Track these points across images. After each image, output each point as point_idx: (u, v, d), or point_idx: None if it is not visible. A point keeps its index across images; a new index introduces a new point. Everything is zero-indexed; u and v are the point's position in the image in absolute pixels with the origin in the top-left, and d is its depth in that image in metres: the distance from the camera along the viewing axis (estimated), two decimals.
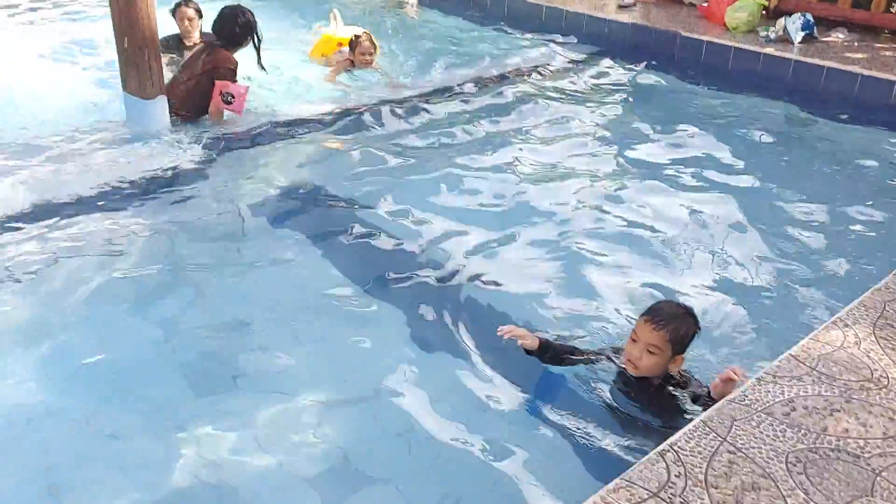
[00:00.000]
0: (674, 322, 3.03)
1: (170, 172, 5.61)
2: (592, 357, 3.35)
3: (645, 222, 5.15)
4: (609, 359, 3.33)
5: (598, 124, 6.91)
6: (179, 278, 4.40)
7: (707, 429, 2.72)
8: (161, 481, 2.96)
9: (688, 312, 3.11)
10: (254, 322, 3.97)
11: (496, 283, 4.35)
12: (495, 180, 5.73)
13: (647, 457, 2.59)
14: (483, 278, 4.40)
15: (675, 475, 2.50)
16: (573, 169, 5.99)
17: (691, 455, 2.60)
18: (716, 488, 2.46)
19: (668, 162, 6.14)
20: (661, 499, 2.40)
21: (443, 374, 3.57)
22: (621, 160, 6.18)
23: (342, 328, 3.94)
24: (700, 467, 2.54)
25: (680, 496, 2.41)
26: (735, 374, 2.90)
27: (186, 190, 5.43)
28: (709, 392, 3.03)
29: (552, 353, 3.29)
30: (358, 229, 4.94)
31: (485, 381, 3.46)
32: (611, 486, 2.46)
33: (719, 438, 2.68)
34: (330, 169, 5.91)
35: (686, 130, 6.75)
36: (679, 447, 2.63)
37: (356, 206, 5.28)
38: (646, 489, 2.44)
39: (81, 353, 3.66)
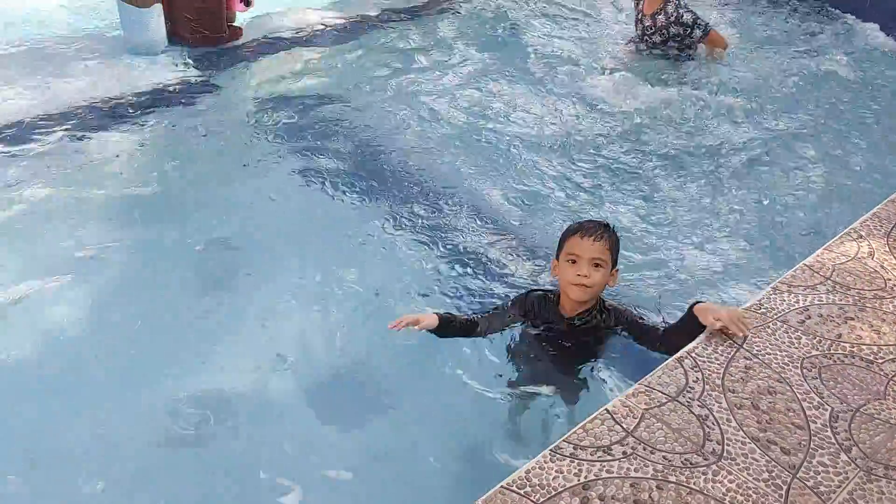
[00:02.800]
0: (608, 231, 2.90)
1: (171, 86, 5.50)
2: (509, 317, 3.03)
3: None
4: (529, 311, 3.01)
5: None
6: (180, 191, 4.38)
7: (724, 336, 2.74)
8: (161, 385, 3.03)
9: (607, 225, 2.94)
10: (255, 231, 4.01)
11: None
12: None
13: (664, 363, 2.63)
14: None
15: (693, 380, 2.54)
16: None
17: (708, 361, 2.63)
18: (733, 392, 2.50)
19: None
20: (680, 402, 2.44)
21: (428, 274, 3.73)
22: None
23: (340, 232, 4.03)
24: (717, 373, 2.58)
25: (698, 400, 2.46)
26: (739, 327, 2.69)
27: (187, 103, 5.33)
28: (684, 318, 2.82)
29: (459, 325, 2.92)
30: (355, 138, 4.94)
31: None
32: (629, 391, 2.50)
33: (735, 345, 2.71)
34: (329, 79, 5.82)
35: None
36: (696, 354, 2.66)
37: (354, 115, 5.24)
38: (664, 393, 2.48)
39: (84, 265, 3.67)
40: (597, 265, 2.81)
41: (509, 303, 3.07)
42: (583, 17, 7.23)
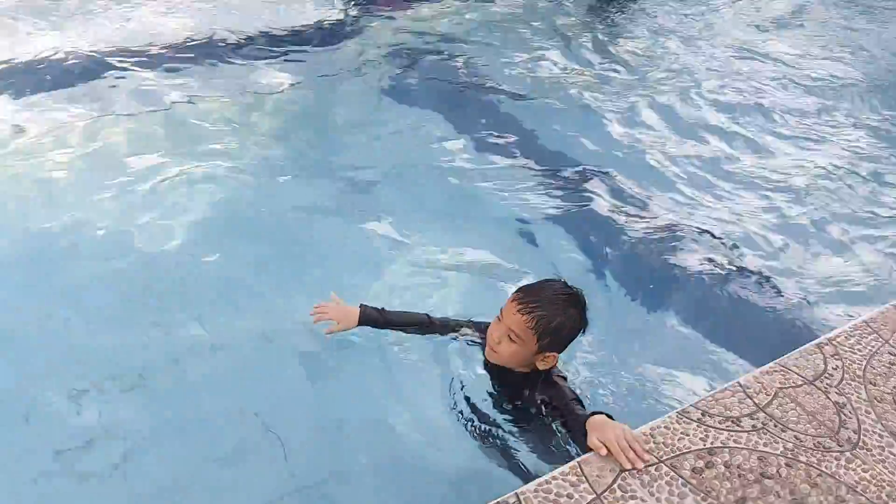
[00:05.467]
0: (545, 308, 2.28)
1: (313, 26, 5.71)
2: (452, 328, 2.68)
3: None
4: (471, 335, 2.65)
5: None
6: (312, 129, 4.55)
7: (870, 329, 2.64)
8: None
9: (571, 301, 2.33)
10: (378, 178, 4.11)
11: None
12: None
13: (803, 346, 2.56)
14: None
15: (833, 368, 2.47)
16: None
17: (851, 351, 2.55)
18: (874, 385, 2.41)
19: None
20: (817, 387, 2.38)
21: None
22: None
23: (459, 184, 4.08)
24: (859, 364, 2.49)
25: (836, 387, 2.39)
26: (626, 458, 2.04)
27: (327, 45, 5.54)
28: (584, 424, 2.18)
29: (385, 324, 2.66)
30: (482, 93, 4.99)
31: None
32: (765, 368, 2.46)
33: (881, 339, 2.60)
34: (467, 34, 5.86)
35: None
36: (838, 342, 2.58)
37: (484, 72, 5.28)
38: (800, 376, 2.42)
39: (207, 190, 3.85)
40: (510, 338, 2.31)
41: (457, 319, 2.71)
42: None
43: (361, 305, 2.62)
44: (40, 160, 3.88)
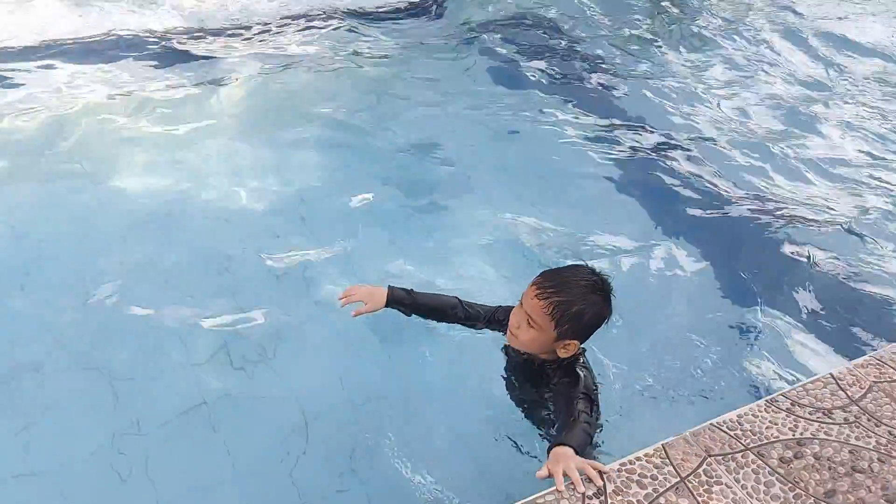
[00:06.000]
0: (564, 294, 2.19)
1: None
2: (478, 316, 2.55)
3: None
4: (494, 321, 2.53)
5: None
6: (403, 95, 4.66)
7: None
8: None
9: (592, 287, 2.22)
10: (461, 143, 4.20)
11: None
12: None
13: None
14: None
15: None
16: None
17: None
18: None
19: None
20: None
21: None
22: None
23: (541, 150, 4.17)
24: None
25: None
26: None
27: (417, 14, 5.58)
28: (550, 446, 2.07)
29: (414, 306, 2.56)
30: (572, 64, 5.00)
31: None
32: (859, 360, 2.40)
33: None
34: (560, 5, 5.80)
35: None
36: None
37: (576, 43, 5.22)
38: None
39: (301, 150, 4.03)
40: (528, 324, 2.24)
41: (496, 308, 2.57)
42: None
43: (389, 286, 2.53)
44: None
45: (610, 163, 4.08)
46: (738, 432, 2.11)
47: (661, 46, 5.50)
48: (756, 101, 4.91)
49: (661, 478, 1.95)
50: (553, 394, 2.28)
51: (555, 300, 2.18)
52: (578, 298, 2.19)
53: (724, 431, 2.12)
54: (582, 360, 2.32)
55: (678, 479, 1.96)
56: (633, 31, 5.70)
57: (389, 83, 4.80)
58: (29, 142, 3.89)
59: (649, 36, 5.64)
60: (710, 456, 2.02)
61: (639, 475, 1.96)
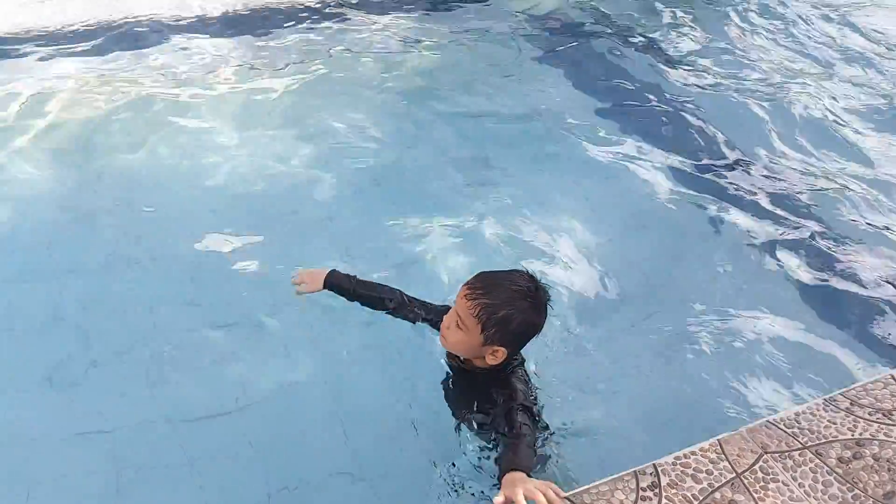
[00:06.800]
0: (492, 297, 2.10)
1: None
2: (414, 310, 2.49)
3: None
4: (435, 321, 2.41)
5: None
6: (454, 80, 4.70)
7: None
8: None
9: (525, 293, 2.12)
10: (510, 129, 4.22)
11: None
12: None
13: None
14: None
15: None
16: None
17: None
18: None
19: None
20: None
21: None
22: None
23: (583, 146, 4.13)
24: None
25: None
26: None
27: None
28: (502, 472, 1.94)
29: (354, 293, 2.54)
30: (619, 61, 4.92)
31: None
32: None
33: None
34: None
35: None
36: None
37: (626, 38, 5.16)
38: None
39: (360, 139, 4.12)
40: (457, 325, 2.15)
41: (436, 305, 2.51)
42: None
43: (331, 270, 2.56)
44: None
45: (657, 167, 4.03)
46: (796, 430, 2.10)
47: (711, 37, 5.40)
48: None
49: (716, 473, 1.96)
50: (491, 406, 2.19)
51: (482, 302, 2.09)
52: (506, 303, 2.09)
53: (782, 429, 2.11)
54: (520, 373, 2.23)
55: (734, 474, 1.96)
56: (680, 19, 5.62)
57: (438, 67, 4.84)
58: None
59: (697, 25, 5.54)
60: (766, 453, 2.02)
61: (693, 469, 1.97)
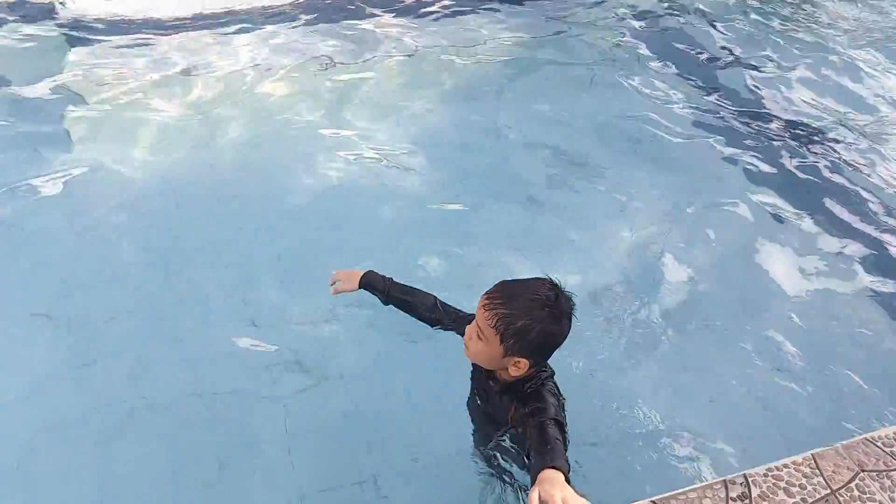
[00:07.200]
0: (509, 307, 2.04)
1: None
2: (446, 319, 2.44)
3: None
4: (458, 329, 2.35)
5: None
6: (531, 71, 4.73)
7: None
8: None
9: (544, 303, 2.04)
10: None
11: None
12: None
13: None
14: None
15: None
16: None
17: None
18: None
19: None
20: None
21: None
22: None
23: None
24: None
25: None
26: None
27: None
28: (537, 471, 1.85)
29: (388, 295, 2.51)
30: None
31: None
32: None
33: None
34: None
35: None
36: None
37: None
38: None
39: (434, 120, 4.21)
40: (478, 335, 2.10)
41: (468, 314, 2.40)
42: None
43: (368, 271, 2.54)
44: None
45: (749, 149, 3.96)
46: (895, 449, 2.06)
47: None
48: None
49: (809, 488, 1.94)
50: (520, 419, 2.09)
51: (500, 312, 2.03)
52: (524, 313, 2.02)
53: (880, 448, 2.07)
54: (550, 385, 2.14)
55: (828, 490, 1.93)
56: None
57: (533, 61, 4.87)
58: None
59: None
60: (863, 471, 1.98)
61: (786, 483, 1.96)
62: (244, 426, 2.57)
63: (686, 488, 1.96)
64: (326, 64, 4.69)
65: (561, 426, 2.01)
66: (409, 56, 4.85)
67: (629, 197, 3.68)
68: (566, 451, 1.94)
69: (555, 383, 2.16)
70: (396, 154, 3.95)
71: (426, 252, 3.22)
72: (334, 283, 2.57)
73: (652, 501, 1.92)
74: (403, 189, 3.70)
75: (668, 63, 4.94)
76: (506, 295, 2.06)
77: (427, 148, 3.98)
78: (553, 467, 1.79)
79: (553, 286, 2.07)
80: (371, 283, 2.51)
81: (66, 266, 3.11)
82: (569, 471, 1.81)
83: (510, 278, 2.11)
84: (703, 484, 1.97)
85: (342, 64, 4.71)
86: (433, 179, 3.76)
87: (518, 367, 2.07)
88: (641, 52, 5.05)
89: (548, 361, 2.16)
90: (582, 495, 1.65)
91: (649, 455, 2.32)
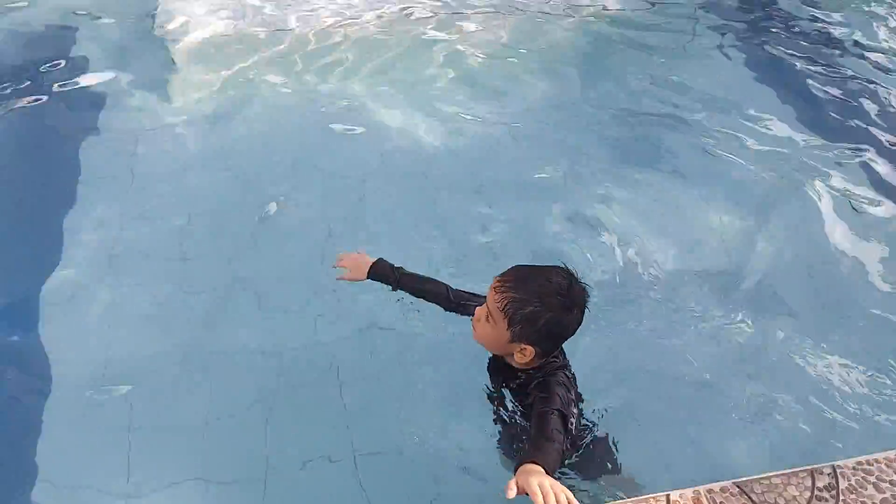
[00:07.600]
0: (520, 291, 1.99)
1: None
2: (461, 303, 2.38)
3: None
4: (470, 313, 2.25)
5: None
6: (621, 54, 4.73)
7: None
8: None
9: (557, 291, 1.98)
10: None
11: None
12: None
13: None
14: None
15: None
16: None
17: None
18: None
19: None
20: None
21: None
22: None
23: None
24: None
25: None
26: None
27: None
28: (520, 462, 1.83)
29: (398, 285, 2.44)
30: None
31: None
32: None
33: None
34: None
35: None
36: None
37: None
38: None
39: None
40: (486, 317, 2.06)
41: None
42: None
43: (377, 259, 2.47)
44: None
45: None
46: None
47: None
48: None
49: None
50: (527, 406, 2.09)
51: (510, 296, 1.99)
52: (534, 299, 1.98)
53: None
54: (560, 376, 2.07)
55: None
56: None
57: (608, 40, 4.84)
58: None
59: None
60: None
61: (876, 478, 1.92)
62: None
63: (770, 473, 1.95)
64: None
65: (564, 418, 1.96)
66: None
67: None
68: (566, 444, 1.91)
69: (567, 375, 2.10)
70: (493, 120, 4.00)
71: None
72: (339, 268, 2.51)
73: (735, 483, 1.93)
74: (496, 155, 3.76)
75: (770, 42, 4.78)
76: (518, 279, 2.03)
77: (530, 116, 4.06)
78: (536, 462, 1.76)
79: (568, 275, 2.03)
80: (380, 274, 2.45)
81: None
82: (552, 473, 1.75)
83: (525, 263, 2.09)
84: (788, 471, 1.95)
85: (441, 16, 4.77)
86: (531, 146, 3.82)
87: (524, 355, 2.04)
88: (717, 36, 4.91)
89: (563, 352, 2.14)
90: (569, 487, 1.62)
91: (734, 437, 2.31)
